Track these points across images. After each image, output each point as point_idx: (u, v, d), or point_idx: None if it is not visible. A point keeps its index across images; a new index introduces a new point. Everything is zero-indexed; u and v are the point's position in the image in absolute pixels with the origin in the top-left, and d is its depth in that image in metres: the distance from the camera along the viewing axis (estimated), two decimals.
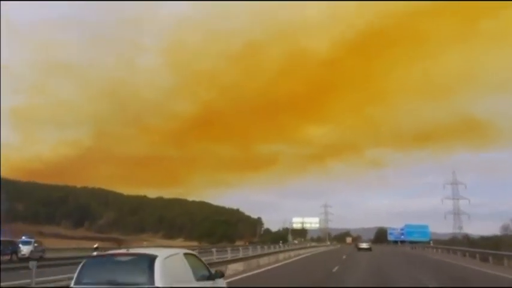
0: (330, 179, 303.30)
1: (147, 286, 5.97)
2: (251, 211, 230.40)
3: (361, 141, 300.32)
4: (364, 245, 66.01)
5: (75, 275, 6.51)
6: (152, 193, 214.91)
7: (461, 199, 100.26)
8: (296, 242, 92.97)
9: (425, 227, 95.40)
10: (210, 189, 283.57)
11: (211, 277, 7.95)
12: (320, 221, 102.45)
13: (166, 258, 6.51)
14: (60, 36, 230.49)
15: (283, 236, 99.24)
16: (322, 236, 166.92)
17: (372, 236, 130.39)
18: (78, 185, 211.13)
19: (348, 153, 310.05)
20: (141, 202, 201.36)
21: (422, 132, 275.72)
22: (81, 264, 6.67)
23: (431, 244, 74.80)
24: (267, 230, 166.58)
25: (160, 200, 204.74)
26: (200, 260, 8.08)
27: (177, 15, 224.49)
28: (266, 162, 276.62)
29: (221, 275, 8.60)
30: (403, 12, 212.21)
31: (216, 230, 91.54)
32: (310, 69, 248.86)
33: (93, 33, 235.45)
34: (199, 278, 7.38)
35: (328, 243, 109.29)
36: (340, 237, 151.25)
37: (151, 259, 6.28)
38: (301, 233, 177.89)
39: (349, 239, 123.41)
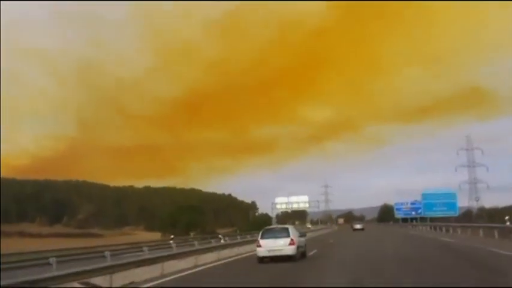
0: (330, 160, 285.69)
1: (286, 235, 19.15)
2: (250, 197, 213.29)
3: (360, 118, 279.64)
4: (358, 226, 71.41)
5: (260, 235, 20.04)
6: (143, 184, 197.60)
7: (478, 166, 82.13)
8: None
9: (453, 195, 70.12)
10: (206, 177, 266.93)
11: (302, 235, 21.75)
12: (318, 202, 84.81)
13: (292, 227, 21.36)
14: (23, 17, 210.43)
15: (266, 221, 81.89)
16: (323, 218, 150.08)
17: (375, 215, 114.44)
18: (60, 179, 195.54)
19: (348, 132, 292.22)
20: (125, 193, 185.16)
21: (424, 104, 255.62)
22: (262, 230, 20.93)
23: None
24: (265, 215, 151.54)
25: (146, 190, 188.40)
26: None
27: None
28: (263, 146, 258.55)
29: (305, 235, 23.86)
30: None
31: (180, 218, 73.50)
32: (301, 40, 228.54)
33: (57, 10, 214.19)
34: (299, 235, 20.68)
35: (321, 226, 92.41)
36: (344, 217, 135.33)
37: (287, 227, 20.49)
38: (301, 215, 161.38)
39: (340, 220, 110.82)
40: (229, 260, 22.88)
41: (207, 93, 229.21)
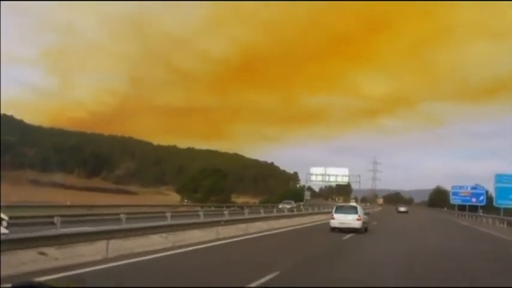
0: (382, 136, 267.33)
1: (355, 212, 23.10)
2: (295, 167, 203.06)
3: (417, 93, 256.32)
4: (402, 209, 69.11)
5: (333, 210, 23.90)
6: (188, 145, 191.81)
7: None
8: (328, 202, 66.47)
9: None
10: (252, 143, 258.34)
11: (366, 213, 26.98)
12: (359, 177, 74.02)
13: (359, 206, 27.37)
14: None
15: (298, 194, 72.44)
16: (369, 197, 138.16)
17: (426, 198, 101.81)
18: (106, 133, 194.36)
19: (403, 108, 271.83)
20: (168, 153, 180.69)
21: (490, 84, 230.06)
22: (336, 206, 25.90)
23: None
24: (301, 188, 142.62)
25: (189, 151, 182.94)
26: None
27: None
28: (313, 116, 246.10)
29: (368, 213, 30.34)
30: None
31: (202, 182, 65.22)
32: (358, 1, 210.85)
33: None
34: (364, 213, 24.82)
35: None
36: (389, 198, 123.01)
37: (356, 206, 25.51)
38: (346, 190, 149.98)
39: (380, 200, 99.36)
40: None
41: (260, 56, 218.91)
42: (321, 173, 66.45)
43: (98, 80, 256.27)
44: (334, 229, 22.46)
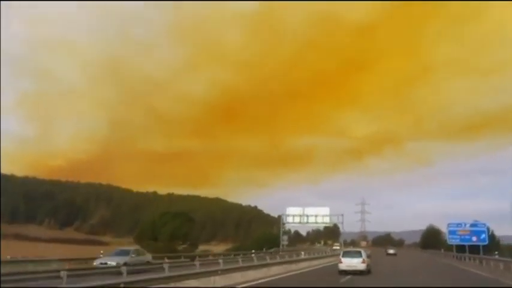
0: (369, 177, 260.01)
1: (359, 256, 25.02)
2: (279, 211, 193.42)
3: (403, 133, 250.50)
4: (391, 251, 68.58)
5: (341, 255, 25.87)
6: (175, 191, 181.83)
7: None
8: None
9: None
10: (237, 188, 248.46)
11: (369, 256, 27.45)
12: (342, 217, 65.36)
13: (363, 250, 28.27)
14: (53, 10, 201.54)
15: (276, 238, 64.17)
16: (356, 240, 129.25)
17: (417, 239, 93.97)
18: (84, 181, 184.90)
19: (389, 148, 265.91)
20: (146, 199, 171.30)
21: (476, 119, 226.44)
22: (343, 251, 27.90)
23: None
24: (287, 231, 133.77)
25: (168, 197, 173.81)
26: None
27: None
28: (298, 158, 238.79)
29: (370, 256, 29.26)
30: None
31: (163, 228, 56.86)
32: (340, 40, 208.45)
33: (88, 4, 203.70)
34: (367, 256, 26.01)
35: (337, 247, 73.45)
36: (379, 240, 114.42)
37: (360, 251, 26.99)
38: (335, 233, 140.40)
39: (363, 243, 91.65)
40: None
41: (242, 98, 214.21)
42: (299, 214, 58.40)
43: (77, 127, 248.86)
44: (342, 272, 24.41)
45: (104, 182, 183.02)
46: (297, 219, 58.62)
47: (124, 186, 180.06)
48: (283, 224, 60.00)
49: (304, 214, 58.27)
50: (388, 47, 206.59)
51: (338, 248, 74.24)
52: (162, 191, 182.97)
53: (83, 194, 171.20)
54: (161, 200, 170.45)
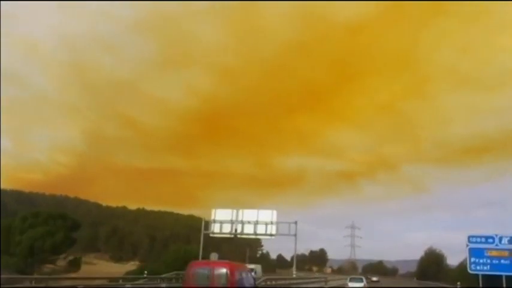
0: (361, 201, 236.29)
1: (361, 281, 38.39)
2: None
3: (397, 155, 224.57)
4: (374, 278, 72.27)
5: (348, 280, 39.14)
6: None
7: None
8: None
9: None
10: (222, 208, 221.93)
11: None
12: (292, 223, 43.90)
13: (363, 277, 42.02)
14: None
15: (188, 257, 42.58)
16: (344, 267, 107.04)
17: (413, 269, 75.61)
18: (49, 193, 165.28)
19: (383, 171, 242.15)
20: (112, 214, 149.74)
21: (476, 141, 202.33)
22: (350, 277, 40.70)
23: None
24: (265, 255, 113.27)
25: (138, 212, 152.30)
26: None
27: None
28: (287, 179, 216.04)
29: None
30: None
31: (23, 236, 35.16)
32: (330, 44, 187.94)
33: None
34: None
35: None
36: (369, 268, 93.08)
37: (362, 277, 40.75)
38: (321, 258, 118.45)
39: (328, 269, 73.52)
40: None
41: (223, 110, 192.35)
42: (229, 219, 37.11)
43: (51, 135, 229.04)
44: None
45: (72, 195, 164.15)
46: (226, 227, 37.23)
47: (95, 200, 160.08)
48: (213, 233, 38.43)
49: (237, 220, 36.94)
50: (382, 53, 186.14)
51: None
52: (133, 206, 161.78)
53: (41, 206, 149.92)
54: (128, 215, 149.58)
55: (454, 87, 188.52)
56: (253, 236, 38.81)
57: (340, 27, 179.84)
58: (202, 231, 38.29)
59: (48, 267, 38.39)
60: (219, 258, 40.28)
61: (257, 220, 36.84)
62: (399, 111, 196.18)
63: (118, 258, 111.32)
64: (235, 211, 37.50)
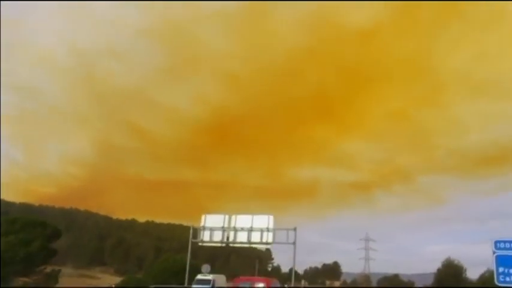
0: (376, 213, 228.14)
1: None
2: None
3: (412, 164, 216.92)
4: None
5: None
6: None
7: None
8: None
9: None
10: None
11: None
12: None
13: None
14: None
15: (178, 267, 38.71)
16: (358, 280, 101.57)
17: (430, 283, 68.72)
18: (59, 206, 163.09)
19: (397, 182, 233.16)
20: (120, 226, 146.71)
21: (493, 150, 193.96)
22: None
23: None
24: (276, 268, 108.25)
25: (148, 225, 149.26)
26: None
27: None
28: (300, 190, 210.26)
29: None
30: None
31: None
32: (341, 51, 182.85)
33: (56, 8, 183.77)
34: None
35: None
36: (384, 282, 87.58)
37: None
38: (334, 271, 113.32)
39: (335, 283, 67.28)
40: None
41: (234, 119, 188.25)
42: (220, 226, 33.07)
43: (62, 149, 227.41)
44: None
45: (82, 207, 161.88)
46: (217, 235, 33.20)
47: (105, 213, 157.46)
48: (202, 241, 34.42)
49: (230, 226, 32.93)
50: (394, 59, 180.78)
51: None
52: (142, 218, 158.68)
53: (49, 218, 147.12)
54: (137, 227, 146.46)
55: (470, 95, 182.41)
56: (247, 245, 34.50)
57: (351, 33, 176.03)
58: (190, 240, 34.23)
59: (22, 280, 34.74)
60: (211, 270, 36.09)
61: (251, 227, 32.81)
62: (413, 120, 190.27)
63: (123, 272, 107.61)
64: (227, 217, 33.57)
